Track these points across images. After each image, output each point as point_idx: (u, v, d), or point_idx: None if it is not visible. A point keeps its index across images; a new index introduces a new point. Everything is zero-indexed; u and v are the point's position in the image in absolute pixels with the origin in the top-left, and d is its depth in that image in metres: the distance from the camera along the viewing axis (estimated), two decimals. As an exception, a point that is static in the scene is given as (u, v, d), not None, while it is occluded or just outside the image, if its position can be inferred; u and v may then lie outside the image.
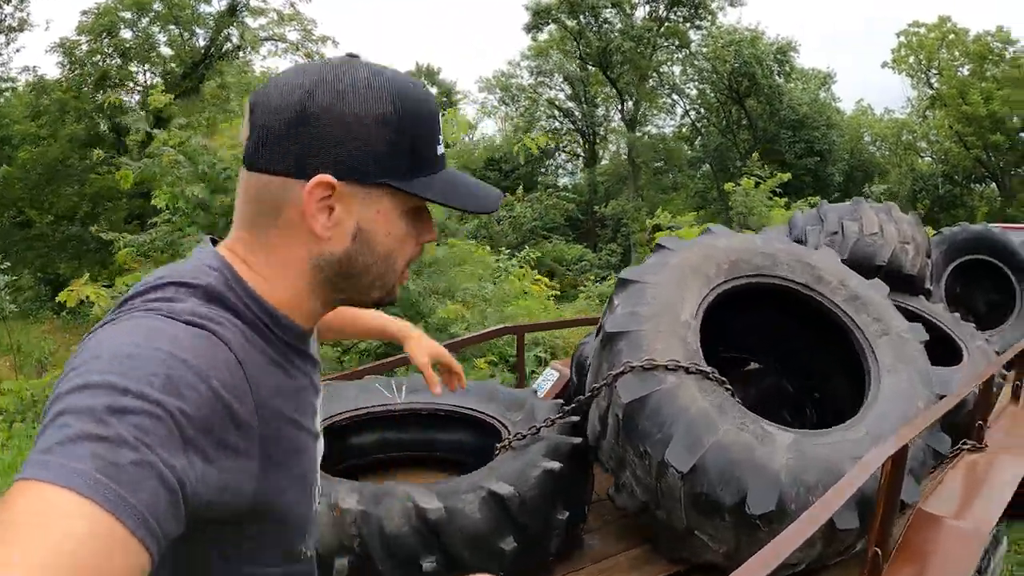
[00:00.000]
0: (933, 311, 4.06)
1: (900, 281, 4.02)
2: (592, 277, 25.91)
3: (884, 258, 3.92)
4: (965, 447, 2.94)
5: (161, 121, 6.73)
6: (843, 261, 3.90)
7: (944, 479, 2.63)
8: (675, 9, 31.61)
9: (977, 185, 36.03)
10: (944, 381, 3.31)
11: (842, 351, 2.49)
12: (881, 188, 14.17)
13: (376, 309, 1.04)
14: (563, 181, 38.83)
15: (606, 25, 30.90)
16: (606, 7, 30.30)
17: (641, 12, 31.68)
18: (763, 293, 2.43)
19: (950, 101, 32.43)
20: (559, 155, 38.93)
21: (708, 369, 1.95)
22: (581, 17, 30.50)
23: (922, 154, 39.21)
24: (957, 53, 34.11)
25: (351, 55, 0.89)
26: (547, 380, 3.83)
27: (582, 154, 37.39)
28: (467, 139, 41.60)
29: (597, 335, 2.31)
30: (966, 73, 33.64)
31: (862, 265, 3.94)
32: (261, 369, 0.81)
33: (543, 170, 37.24)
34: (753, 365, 3.05)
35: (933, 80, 35.24)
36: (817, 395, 2.87)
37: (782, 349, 2.79)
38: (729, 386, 2.00)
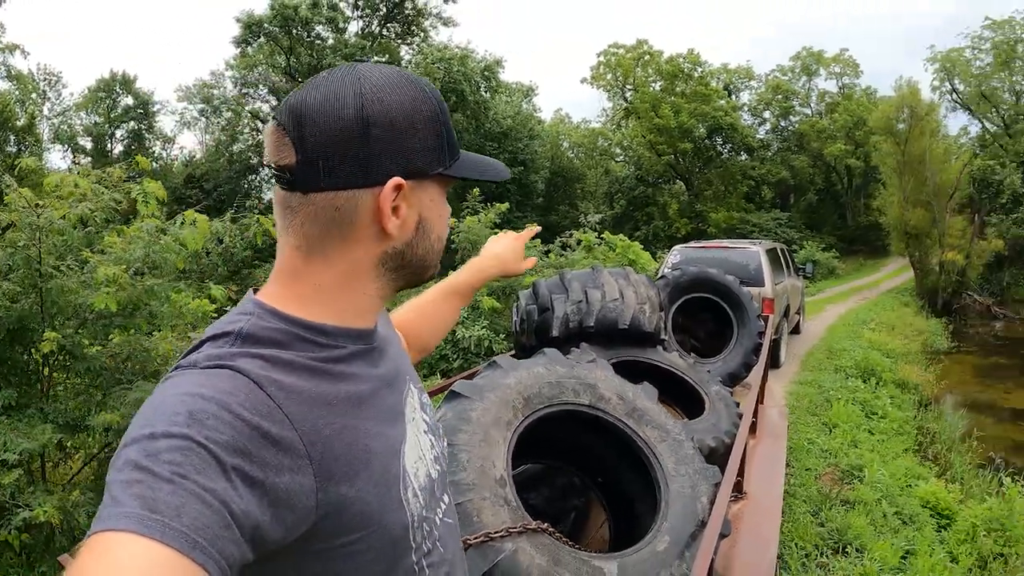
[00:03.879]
0: (672, 362, 4.49)
1: (640, 338, 4.43)
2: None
3: (626, 321, 4.26)
4: (731, 499, 3.33)
5: None
6: (589, 327, 4.29)
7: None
8: (388, 26, 31.95)
9: (667, 185, 40.46)
10: (699, 434, 3.77)
11: (623, 444, 2.75)
12: (596, 218, 15.29)
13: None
14: (268, 196, 37.54)
15: (318, 41, 30.42)
16: (319, 22, 29.83)
17: (354, 27, 31.63)
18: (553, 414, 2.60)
19: (643, 113, 36.29)
20: (263, 169, 37.59)
21: (534, 525, 2.09)
22: (293, 31, 29.73)
23: (616, 159, 43.42)
24: (651, 71, 38.31)
25: (359, 60, 0.92)
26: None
27: (288, 168, 36.41)
28: (165, 153, 38.91)
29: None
30: (659, 89, 37.75)
31: (608, 329, 4.28)
32: (297, 384, 0.81)
33: (246, 185, 35.73)
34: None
35: (628, 95, 39.03)
36: (600, 480, 3.10)
37: (571, 450, 2.97)
38: (553, 530, 2.15)
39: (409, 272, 0.95)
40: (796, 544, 5.15)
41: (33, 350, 4.67)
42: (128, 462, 0.67)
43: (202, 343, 0.84)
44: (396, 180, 0.86)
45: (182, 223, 4.43)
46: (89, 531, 0.64)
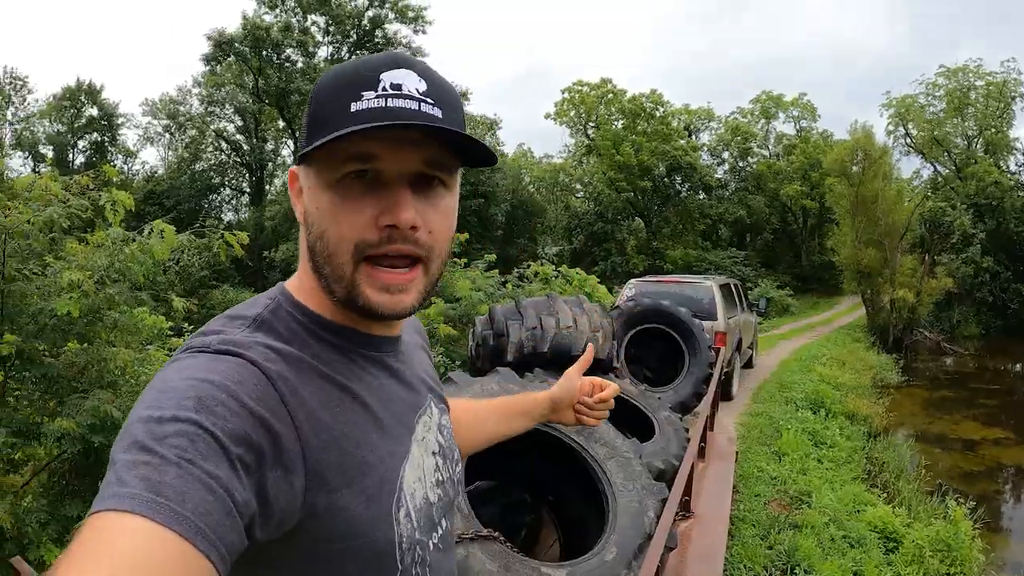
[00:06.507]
0: (624, 389, 4.62)
1: (593, 366, 4.54)
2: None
3: (580, 348, 4.38)
4: (678, 517, 3.45)
5: None
6: (543, 353, 4.40)
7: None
8: (357, 52, 32.12)
9: (626, 221, 41.07)
10: (648, 456, 3.88)
11: (573, 464, 2.85)
12: (553, 251, 15.42)
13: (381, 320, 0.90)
14: (228, 217, 37.37)
15: (288, 64, 30.51)
16: (290, 45, 29.90)
17: (324, 52, 31.77)
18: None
19: (605, 151, 36.89)
20: (224, 189, 37.45)
21: (485, 532, 2.17)
22: (263, 52, 29.78)
23: (576, 194, 44.11)
24: (614, 109, 39.06)
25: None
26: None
27: (248, 190, 36.24)
28: (127, 167, 38.41)
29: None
30: (620, 127, 38.45)
31: (561, 356, 4.38)
32: (303, 385, 0.81)
33: (207, 205, 35.69)
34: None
35: (590, 132, 39.65)
36: (551, 498, 3.19)
37: (523, 468, 3.07)
38: (504, 539, 2.23)
39: (320, 275, 0.88)
40: (745, 565, 5.24)
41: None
42: (135, 443, 0.67)
43: (218, 322, 0.86)
44: (292, 167, 0.89)
45: (150, 232, 4.43)
46: (91, 509, 0.64)
